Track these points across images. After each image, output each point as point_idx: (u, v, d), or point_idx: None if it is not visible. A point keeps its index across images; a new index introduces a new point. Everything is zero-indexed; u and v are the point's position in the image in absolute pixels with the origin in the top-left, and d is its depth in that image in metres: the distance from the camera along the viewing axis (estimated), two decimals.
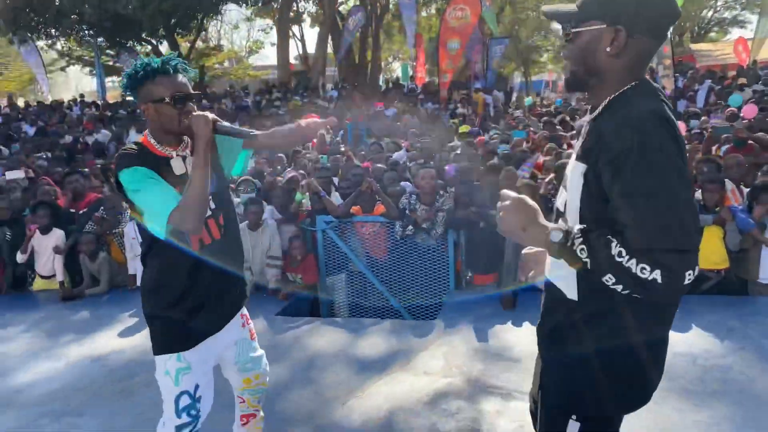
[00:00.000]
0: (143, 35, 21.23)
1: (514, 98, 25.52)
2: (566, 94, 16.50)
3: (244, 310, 2.42)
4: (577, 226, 1.40)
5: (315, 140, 7.91)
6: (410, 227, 5.21)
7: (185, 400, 2.16)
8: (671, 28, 1.53)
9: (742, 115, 8.92)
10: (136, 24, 18.86)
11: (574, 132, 7.92)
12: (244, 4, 23.33)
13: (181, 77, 2.08)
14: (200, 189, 1.98)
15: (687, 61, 17.64)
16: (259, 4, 22.86)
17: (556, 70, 45.34)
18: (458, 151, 6.86)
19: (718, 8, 38.81)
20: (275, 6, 23.20)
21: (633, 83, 1.47)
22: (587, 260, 1.34)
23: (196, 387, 2.19)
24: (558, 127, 8.60)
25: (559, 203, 1.62)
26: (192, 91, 2.12)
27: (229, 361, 2.39)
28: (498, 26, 26.52)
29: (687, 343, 3.79)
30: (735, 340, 3.81)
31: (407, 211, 5.23)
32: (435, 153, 6.78)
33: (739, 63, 18.74)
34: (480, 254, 5.15)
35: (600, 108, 1.51)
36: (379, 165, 6.40)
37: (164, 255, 2.11)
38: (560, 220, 1.56)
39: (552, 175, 5.26)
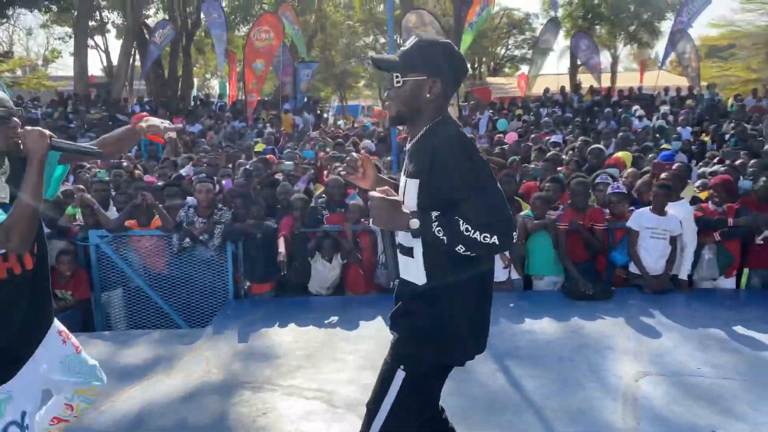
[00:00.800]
0: None
1: (330, 121, 26.39)
2: (379, 119, 17.58)
3: (61, 327, 2.40)
4: (433, 213, 1.86)
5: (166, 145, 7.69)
6: (187, 240, 5.33)
7: (14, 431, 2.06)
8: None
9: (506, 139, 10.30)
10: None
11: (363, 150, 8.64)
12: (36, 10, 21.60)
13: (1, 93, 1.99)
14: (33, 207, 1.90)
15: (476, 94, 19.67)
16: (54, 10, 21.26)
17: (372, 97, 47.73)
18: (248, 167, 7.10)
19: (510, 47, 43.77)
20: (74, 13, 21.71)
21: (439, 117, 2.00)
22: (444, 238, 1.83)
23: (23, 414, 2.09)
24: (349, 148, 9.25)
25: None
26: (14, 107, 2.02)
27: (58, 381, 2.37)
28: (312, 50, 27.42)
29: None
30: None
31: (185, 224, 5.36)
32: (220, 168, 6.97)
33: (522, 95, 21.45)
34: (257, 264, 5.43)
35: (417, 137, 2.02)
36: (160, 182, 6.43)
37: None
38: None
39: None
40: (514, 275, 5.43)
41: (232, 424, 3.25)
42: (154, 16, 27.01)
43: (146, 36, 21.30)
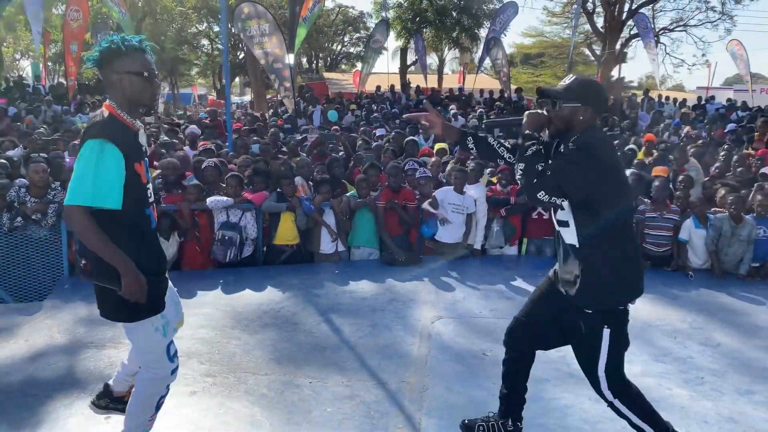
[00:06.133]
0: None
1: (161, 109, 25.40)
2: (218, 108, 17.47)
3: None
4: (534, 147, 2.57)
5: None
6: (19, 219, 5.36)
7: (173, 348, 2.62)
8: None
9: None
10: None
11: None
12: None
13: (150, 56, 2.41)
14: None
15: (309, 86, 20.33)
16: None
17: (205, 86, 46.26)
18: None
19: (346, 44, 45.11)
20: None
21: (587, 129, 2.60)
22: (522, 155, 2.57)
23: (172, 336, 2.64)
24: (181, 136, 9.47)
25: None
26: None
27: (173, 314, 2.73)
28: (141, 35, 26.22)
29: (265, 295, 4.97)
30: (293, 291, 5.12)
31: (16, 204, 5.37)
32: (51, 149, 6.91)
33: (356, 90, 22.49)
34: None
35: (571, 141, 2.56)
36: None
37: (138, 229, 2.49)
38: None
39: None
40: (341, 248, 6.16)
41: (80, 377, 3.57)
42: None
43: None
